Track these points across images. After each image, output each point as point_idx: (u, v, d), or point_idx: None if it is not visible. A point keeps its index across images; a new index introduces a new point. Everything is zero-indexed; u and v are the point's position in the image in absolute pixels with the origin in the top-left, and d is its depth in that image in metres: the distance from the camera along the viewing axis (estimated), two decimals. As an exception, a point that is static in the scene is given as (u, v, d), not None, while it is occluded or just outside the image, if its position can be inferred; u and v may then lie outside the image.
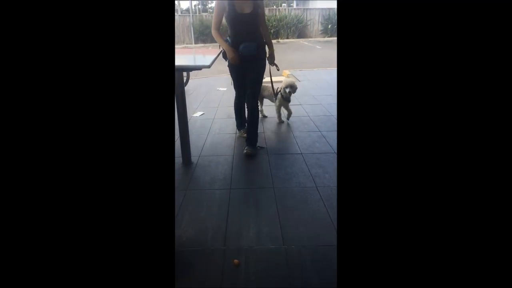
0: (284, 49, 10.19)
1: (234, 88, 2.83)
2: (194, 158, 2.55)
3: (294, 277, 1.38)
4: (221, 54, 2.60)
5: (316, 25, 14.51)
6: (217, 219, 1.80)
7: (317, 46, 11.32)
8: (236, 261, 1.46)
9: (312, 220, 1.78)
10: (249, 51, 2.45)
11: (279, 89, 3.27)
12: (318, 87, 4.96)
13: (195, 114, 3.72)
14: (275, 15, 13.65)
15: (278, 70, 2.79)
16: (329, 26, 14.04)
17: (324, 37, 14.11)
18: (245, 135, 2.81)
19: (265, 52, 2.58)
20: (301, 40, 13.36)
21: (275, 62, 2.73)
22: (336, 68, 6.54)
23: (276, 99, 3.33)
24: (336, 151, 2.64)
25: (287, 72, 6.29)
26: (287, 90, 3.19)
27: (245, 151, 2.62)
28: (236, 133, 3.11)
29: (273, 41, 2.96)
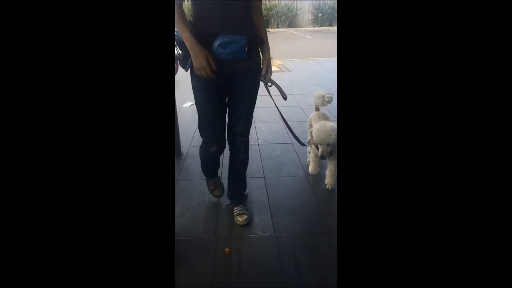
0: (274, 39, 10.11)
1: (202, 127, 1.51)
2: (184, 149, 2.54)
3: (285, 263, 1.40)
4: (187, 62, 1.38)
5: (306, 15, 14.41)
6: (208, 209, 1.81)
7: (308, 36, 11.27)
8: (227, 249, 1.48)
9: (303, 208, 1.80)
10: (234, 52, 1.30)
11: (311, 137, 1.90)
12: (309, 77, 4.96)
13: (184, 104, 3.69)
14: (265, 4, 13.50)
15: (285, 98, 1.52)
16: (320, 15, 13.97)
17: (315, 26, 14.04)
18: (217, 193, 1.82)
19: (260, 57, 1.47)
20: (291, 30, 13.26)
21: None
22: (326, 58, 6.56)
23: (308, 146, 2.10)
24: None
25: (277, 62, 6.27)
26: (322, 150, 1.79)
27: (239, 221, 1.64)
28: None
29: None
